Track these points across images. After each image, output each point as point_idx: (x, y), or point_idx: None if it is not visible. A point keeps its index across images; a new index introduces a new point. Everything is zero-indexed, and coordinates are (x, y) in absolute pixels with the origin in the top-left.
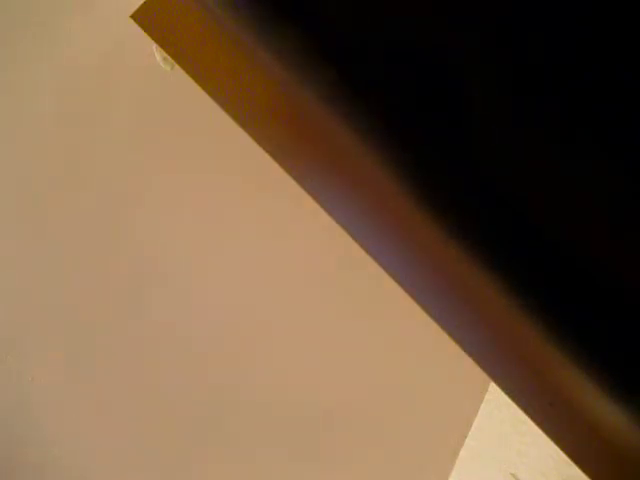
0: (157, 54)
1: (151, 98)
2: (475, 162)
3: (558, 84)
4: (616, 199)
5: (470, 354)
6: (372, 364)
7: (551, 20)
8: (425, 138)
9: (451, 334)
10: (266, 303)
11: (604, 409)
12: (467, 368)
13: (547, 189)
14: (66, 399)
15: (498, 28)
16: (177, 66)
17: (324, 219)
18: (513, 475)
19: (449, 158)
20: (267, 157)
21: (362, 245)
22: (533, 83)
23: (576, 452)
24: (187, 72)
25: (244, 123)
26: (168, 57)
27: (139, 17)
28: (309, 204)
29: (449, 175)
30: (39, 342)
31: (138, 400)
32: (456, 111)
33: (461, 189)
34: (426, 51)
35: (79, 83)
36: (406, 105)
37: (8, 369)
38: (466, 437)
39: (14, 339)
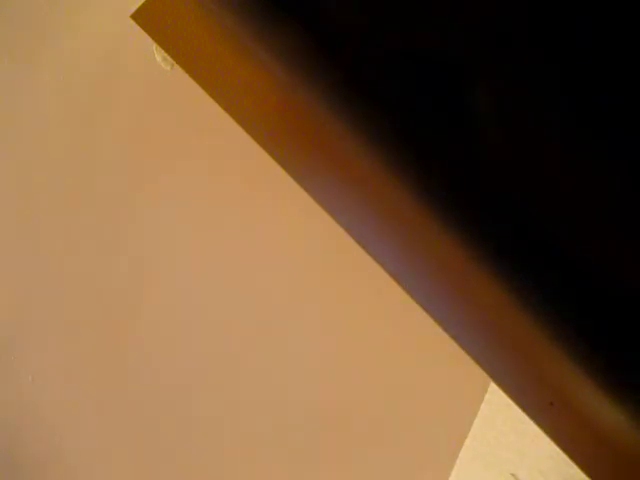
0: (157, 54)
1: (151, 98)
2: (475, 162)
3: (560, 84)
4: (617, 198)
5: (470, 354)
6: (371, 364)
7: (552, 19)
8: (426, 138)
9: (451, 334)
10: (265, 303)
11: (604, 409)
12: (467, 368)
13: (547, 188)
14: (66, 399)
15: (499, 28)
16: (177, 66)
17: (325, 219)
18: (513, 475)
19: (450, 158)
20: (267, 157)
21: (361, 244)
22: (535, 83)
23: (576, 452)
24: (187, 72)
25: (244, 123)
26: (168, 57)
27: (139, 17)
28: (310, 204)
29: (449, 174)
30: (39, 342)
31: (138, 400)
32: (458, 111)
33: (461, 187)
34: (426, 51)
35: (79, 83)
36: (408, 105)
37: (8, 369)
38: (466, 437)
39: (14, 339)
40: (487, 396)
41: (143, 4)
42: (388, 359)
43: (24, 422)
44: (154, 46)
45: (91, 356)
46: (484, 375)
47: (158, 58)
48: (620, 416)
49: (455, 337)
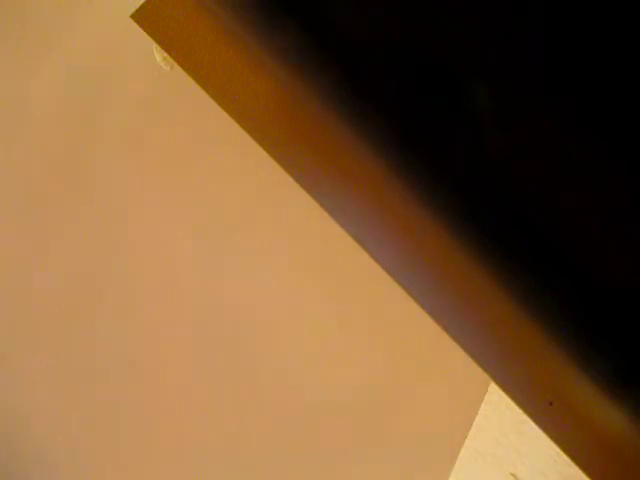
0: (157, 54)
1: (151, 98)
2: (475, 161)
3: (560, 83)
4: (618, 198)
5: (470, 354)
6: (372, 364)
7: (552, 18)
8: (427, 137)
9: (451, 334)
10: (267, 302)
11: (604, 409)
12: (467, 368)
13: (547, 187)
14: (65, 400)
15: (498, 27)
16: (177, 66)
17: (325, 220)
18: (513, 475)
19: (450, 157)
20: (267, 157)
21: (361, 244)
22: (535, 82)
23: (576, 452)
24: (187, 72)
25: (244, 123)
26: (168, 57)
27: (139, 17)
28: (310, 204)
29: (448, 173)
30: (37, 343)
31: (137, 401)
32: (457, 109)
33: (460, 186)
34: (427, 50)
35: (79, 83)
36: (408, 105)
37: (7, 370)
38: (466, 437)
39: (13, 339)
40: (487, 396)
41: (143, 4)
42: (388, 359)
43: (17, 423)
44: (154, 46)
45: (90, 358)
46: (484, 375)
47: (158, 58)
48: (620, 416)
49: (456, 337)
